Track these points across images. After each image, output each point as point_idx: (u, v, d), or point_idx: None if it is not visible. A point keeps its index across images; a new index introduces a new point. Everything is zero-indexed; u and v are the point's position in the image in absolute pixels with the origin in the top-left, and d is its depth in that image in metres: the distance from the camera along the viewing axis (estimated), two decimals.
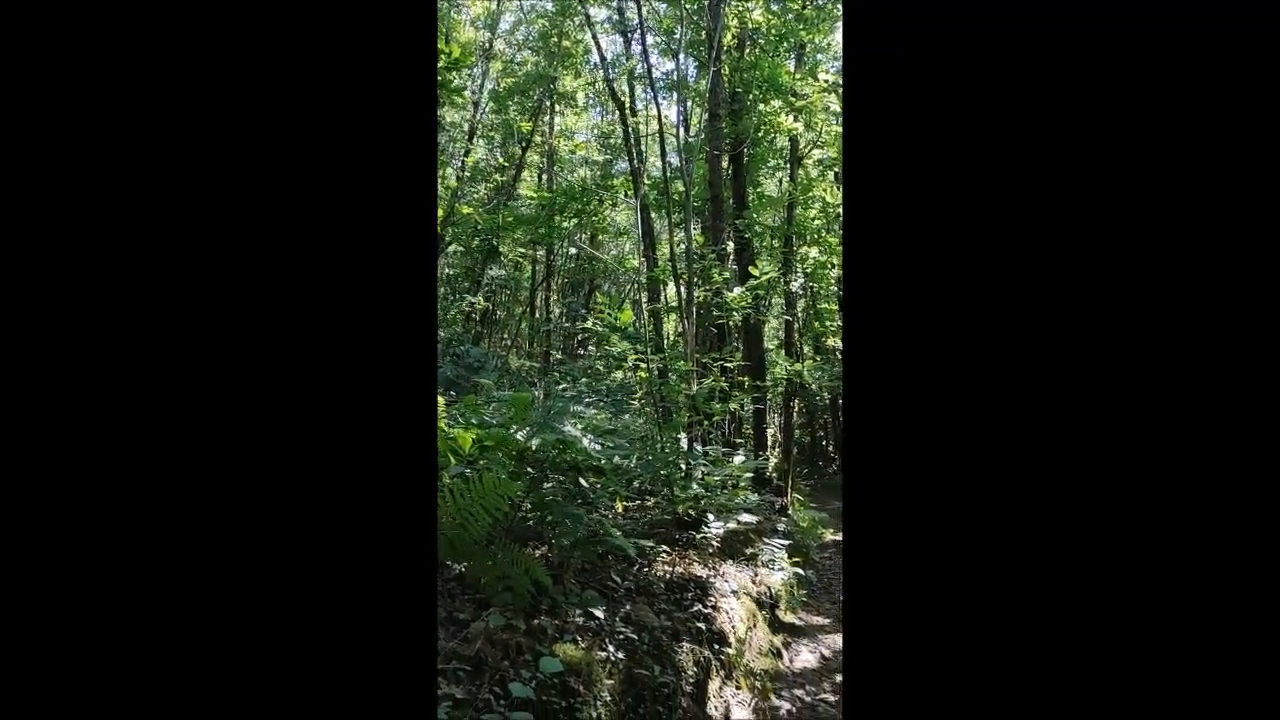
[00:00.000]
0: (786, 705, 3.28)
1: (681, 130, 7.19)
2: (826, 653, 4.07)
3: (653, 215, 10.59)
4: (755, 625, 3.70)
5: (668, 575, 3.54)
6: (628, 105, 9.69)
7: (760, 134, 8.76)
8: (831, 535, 8.11)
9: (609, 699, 2.36)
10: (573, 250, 13.72)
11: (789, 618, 4.49)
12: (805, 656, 3.97)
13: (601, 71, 10.38)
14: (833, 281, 11.36)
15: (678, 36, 7.59)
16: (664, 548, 3.95)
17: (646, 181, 9.74)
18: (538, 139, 12.84)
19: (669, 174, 6.86)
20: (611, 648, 2.58)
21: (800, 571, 5.04)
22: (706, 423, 5.40)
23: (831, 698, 3.42)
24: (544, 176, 13.58)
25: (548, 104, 12.33)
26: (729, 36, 7.66)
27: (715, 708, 2.88)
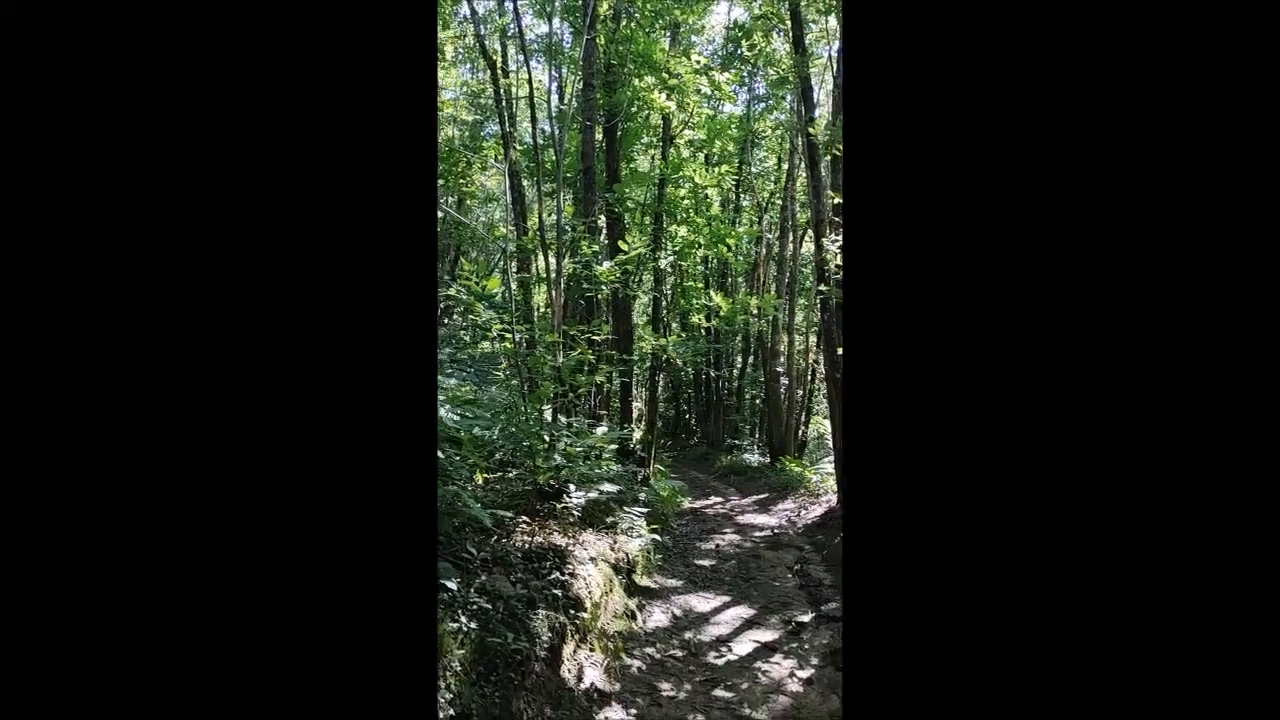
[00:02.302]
0: (638, 663, 3.43)
1: (555, 97, 7.05)
2: (678, 612, 4.30)
3: (524, 183, 10.32)
4: (611, 590, 3.82)
5: (526, 545, 3.55)
6: (499, 65, 9.31)
7: (634, 110, 8.80)
8: (689, 503, 8.52)
9: (460, 669, 2.35)
10: (438, 213, 13.06)
11: (644, 581, 4.68)
12: (658, 617, 4.17)
13: (472, 26, 9.86)
14: (699, 261, 11.74)
15: None
16: (524, 518, 3.95)
17: (518, 147, 9.46)
18: None
19: (541, 141, 6.71)
20: (464, 618, 2.56)
21: (658, 538, 5.26)
22: (572, 394, 5.43)
23: (680, 653, 3.63)
24: None
25: None
26: (605, 5, 7.57)
27: (569, 670, 2.96)
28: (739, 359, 16.46)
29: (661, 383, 11.75)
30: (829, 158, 8.51)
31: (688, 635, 3.89)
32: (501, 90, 9.65)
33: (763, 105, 12.76)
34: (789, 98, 11.90)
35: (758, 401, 15.67)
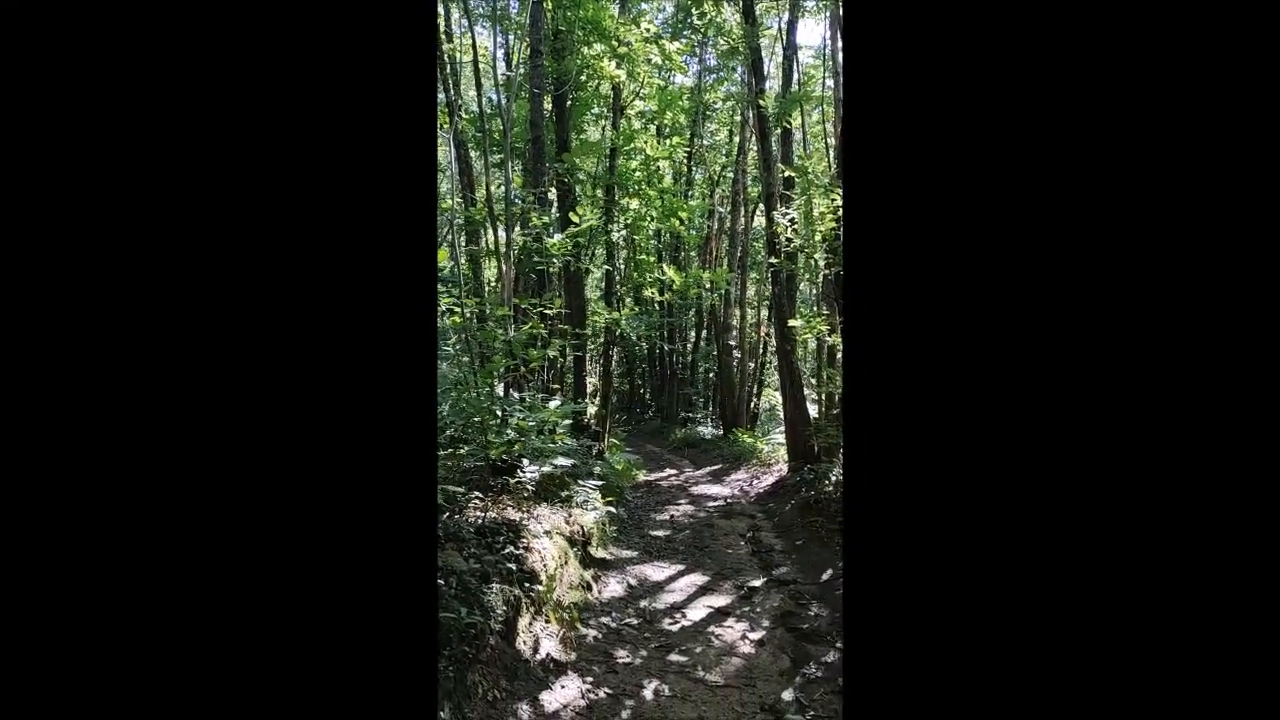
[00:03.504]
0: (594, 632, 3.47)
1: (501, 64, 6.82)
2: (633, 582, 4.35)
3: (471, 153, 10.03)
4: (567, 562, 3.84)
5: (479, 520, 3.52)
6: (442, 29, 8.94)
7: (584, 79, 8.61)
8: (644, 476, 8.60)
9: None
10: None
11: (600, 553, 4.71)
12: (613, 587, 4.21)
13: None
14: (651, 235, 11.69)
15: None
16: (477, 494, 3.91)
17: (464, 116, 9.16)
18: None
19: (488, 110, 6.50)
20: None
21: (613, 510, 5.29)
22: (524, 369, 5.36)
23: (635, 621, 3.68)
24: None
25: None
26: None
27: (524, 642, 2.96)
28: (692, 333, 16.57)
29: (615, 357, 11.73)
30: (779, 131, 8.54)
31: (643, 604, 3.95)
32: (445, 55, 9.28)
33: (713, 77, 12.68)
34: (739, 70, 11.85)
35: (711, 375, 15.85)
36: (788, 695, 2.86)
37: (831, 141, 9.70)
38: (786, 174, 7.63)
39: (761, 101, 7.46)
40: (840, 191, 5.92)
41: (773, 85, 10.75)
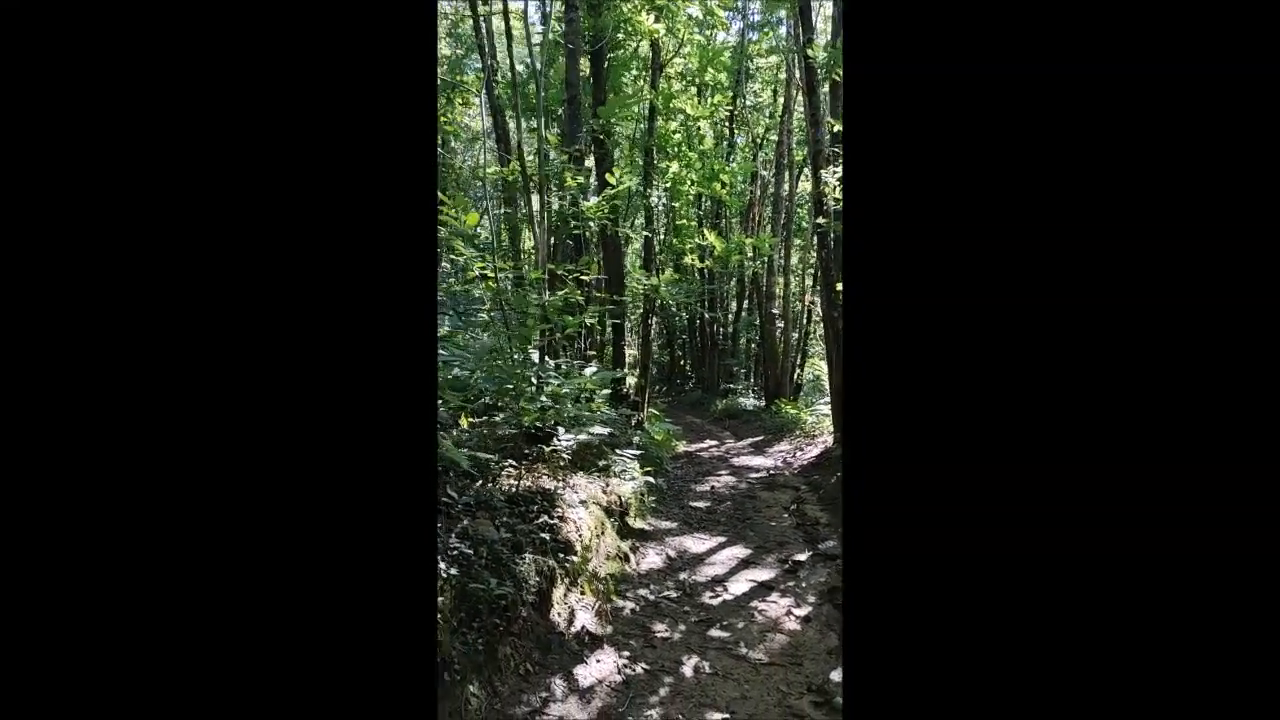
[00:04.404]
0: (631, 605, 3.34)
1: (538, 25, 6.57)
2: (672, 553, 4.21)
3: (510, 123, 9.85)
4: (604, 532, 3.71)
5: (512, 489, 3.41)
6: None
7: (622, 37, 8.28)
8: (684, 447, 8.44)
9: (439, 617, 2.22)
10: None
11: (638, 524, 4.58)
12: (652, 558, 4.09)
13: None
14: (691, 200, 11.36)
15: None
16: (510, 461, 3.81)
17: (500, 80, 8.96)
18: None
19: (522, 71, 6.28)
20: (444, 564, 2.42)
21: (652, 480, 5.15)
22: (560, 335, 5.22)
23: (674, 594, 3.54)
24: None
25: None
26: None
27: (559, 614, 2.85)
28: (734, 302, 16.21)
29: (655, 327, 11.53)
30: (828, 85, 8.08)
31: (682, 576, 3.81)
32: (481, 19, 9.06)
33: (756, 34, 12.12)
34: (784, 25, 11.28)
35: (753, 345, 15.51)
36: (836, 676, 2.68)
37: None
38: (835, 129, 7.21)
39: (810, 52, 7.03)
40: None
41: (821, 39, 10.19)
